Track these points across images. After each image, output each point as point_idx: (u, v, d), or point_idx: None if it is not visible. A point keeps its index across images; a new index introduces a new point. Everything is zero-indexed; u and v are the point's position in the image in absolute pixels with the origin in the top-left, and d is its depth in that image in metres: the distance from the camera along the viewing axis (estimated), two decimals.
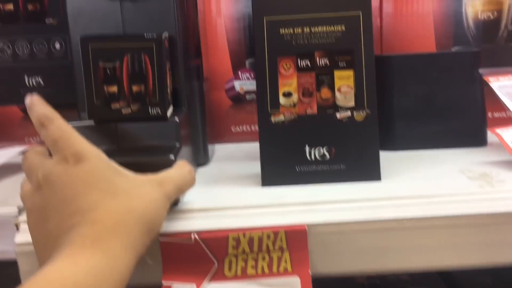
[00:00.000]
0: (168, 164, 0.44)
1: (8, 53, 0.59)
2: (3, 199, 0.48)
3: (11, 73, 0.60)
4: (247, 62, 0.76)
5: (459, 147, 0.61)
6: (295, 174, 0.50)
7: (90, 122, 0.48)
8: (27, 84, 0.61)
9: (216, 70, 0.75)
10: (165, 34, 0.49)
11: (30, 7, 0.59)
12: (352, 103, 0.49)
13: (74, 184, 0.35)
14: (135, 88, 0.47)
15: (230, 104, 0.77)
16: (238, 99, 0.77)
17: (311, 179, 0.49)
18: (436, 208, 0.43)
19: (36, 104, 0.38)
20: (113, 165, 0.38)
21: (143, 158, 0.45)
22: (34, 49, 0.60)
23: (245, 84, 0.77)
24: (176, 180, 0.41)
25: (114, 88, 0.47)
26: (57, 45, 0.59)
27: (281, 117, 0.50)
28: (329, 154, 0.49)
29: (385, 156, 0.58)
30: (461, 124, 0.62)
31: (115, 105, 0.48)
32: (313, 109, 0.50)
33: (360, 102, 0.49)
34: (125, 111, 0.48)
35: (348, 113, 0.49)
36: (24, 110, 0.75)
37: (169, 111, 0.50)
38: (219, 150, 0.71)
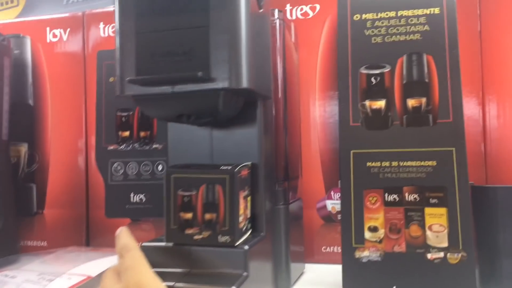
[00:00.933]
0: None
1: (121, 172, 0.67)
2: None
3: (120, 190, 0.67)
4: (340, 182, 0.76)
5: None
6: None
7: (168, 244, 0.51)
8: (132, 200, 0.67)
9: (309, 189, 0.75)
10: (247, 164, 0.52)
11: (142, 134, 0.67)
12: (445, 244, 0.46)
13: None
14: (207, 216, 0.50)
15: (321, 224, 0.76)
16: (329, 218, 0.76)
17: None
18: None
19: (121, 236, 0.42)
20: None
21: (205, 286, 0.46)
22: (141, 170, 0.67)
23: (337, 204, 0.76)
24: None
25: (189, 215, 0.50)
26: (159, 167, 0.65)
27: (366, 253, 0.48)
28: None
29: None
30: None
31: (189, 231, 0.50)
32: (401, 247, 0.47)
33: (455, 243, 0.45)
34: (197, 237, 0.50)
35: (441, 254, 0.46)
36: (131, 223, 0.82)
37: (243, 238, 0.51)
38: (309, 270, 0.69)
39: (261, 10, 0.52)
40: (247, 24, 0.48)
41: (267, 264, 0.56)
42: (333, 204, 0.76)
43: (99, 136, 0.78)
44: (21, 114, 0.88)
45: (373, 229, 0.48)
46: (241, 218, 0.51)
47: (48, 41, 0.91)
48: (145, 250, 0.50)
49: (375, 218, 0.48)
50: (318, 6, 0.78)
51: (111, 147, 0.76)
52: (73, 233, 0.87)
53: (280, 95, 0.63)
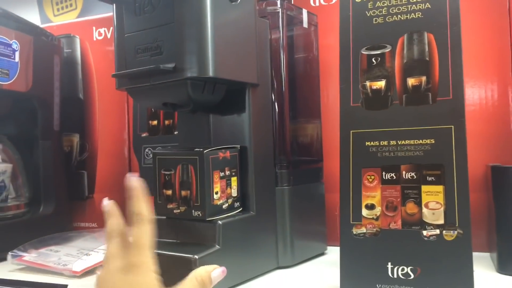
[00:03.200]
0: (191, 262, 0.49)
1: (151, 156, 0.72)
2: None
3: (151, 171, 0.72)
4: None
5: None
6: None
7: (160, 217, 0.57)
8: None
9: (331, 174, 0.76)
10: (234, 147, 0.57)
11: (166, 122, 0.73)
12: (441, 221, 0.46)
13: None
14: (183, 193, 0.55)
15: None
16: None
17: None
18: None
19: (140, 196, 0.44)
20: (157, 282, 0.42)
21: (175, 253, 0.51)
22: None
23: None
24: None
25: (169, 192, 0.56)
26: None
27: (362, 229, 0.49)
28: (413, 274, 0.46)
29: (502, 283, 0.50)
30: None
31: (170, 205, 0.56)
32: (397, 224, 0.47)
33: (451, 220, 0.45)
34: (176, 211, 0.55)
35: (437, 231, 0.46)
36: None
37: (223, 215, 0.55)
38: (331, 252, 0.72)
39: (236, 2, 0.55)
40: (212, 17, 0.51)
41: (257, 240, 0.59)
42: None
43: (135, 125, 0.85)
44: (73, 107, 0.97)
45: (370, 207, 0.49)
46: (217, 196, 0.55)
47: (94, 39, 0.99)
48: None
49: (372, 196, 0.49)
50: None
51: (144, 135, 0.83)
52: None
53: (284, 82, 0.64)
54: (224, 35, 0.53)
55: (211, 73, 0.51)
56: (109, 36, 0.98)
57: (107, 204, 0.46)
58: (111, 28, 0.97)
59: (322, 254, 0.71)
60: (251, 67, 0.58)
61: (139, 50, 0.54)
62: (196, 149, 0.54)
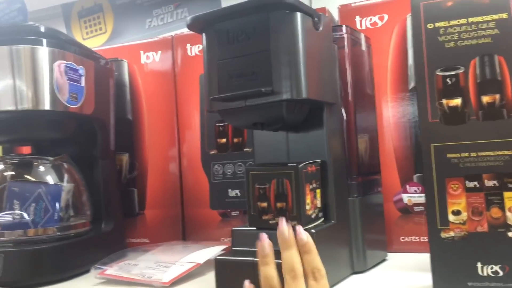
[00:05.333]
0: None
1: (220, 172, 0.77)
2: None
3: (220, 186, 0.77)
4: (415, 177, 0.82)
5: None
6: None
7: (252, 228, 0.62)
8: (229, 194, 0.78)
9: (385, 183, 0.82)
10: (316, 161, 0.62)
11: (235, 140, 0.78)
12: None
13: None
14: (279, 205, 0.59)
15: (398, 215, 0.82)
16: (406, 210, 0.82)
17: None
18: None
19: (313, 252, 0.46)
20: None
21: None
22: (236, 170, 0.78)
23: (413, 196, 0.82)
24: None
25: (264, 204, 0.61)
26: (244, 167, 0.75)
27: (451, 233, 0.54)
28: (502, 272, 0.51)
29: None
30: None
31: (265, 217, 0.61)
32: (483, 227, 0.53)
33: None
34: (272, 222, 0.60)
35: None
36: (222, 215, 0.92)
37: (313, 224, 0.60)
38: (390, 258, 0.76)
39: (320, 31, 0.61)
40: (303, 44, 0.57)
41: (338, 247, 0.64)
42: (409, 197, 0.82)
43: (203, 143, 0.90)
44: (122, 128, 1.01)
45: (456, 213, 0.54)
46: (308, 207, 0.60)
47: (142, 62, 1.03)
48: (236, 233, 0.63)
49: (458, 203, 0.54)
50: (386, 16, 0.85)
51: (212, 152, 0.88)
52: (171, 230, 0.98)
53: (350, 99, 0.70)
54: (312, 60, 0.58)
55: (304, 95, 0.57)
56: (157, 59, 1.02)
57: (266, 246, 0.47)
58: (159, 52, 1.02)
59: (384, 260, 0.76)
60: (332, 87, 0.64)
61: (234, 75, 0.59)
62: (289, 165, 0.59)
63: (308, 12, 0.58)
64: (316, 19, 0.60)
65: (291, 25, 0.57)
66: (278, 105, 0.58)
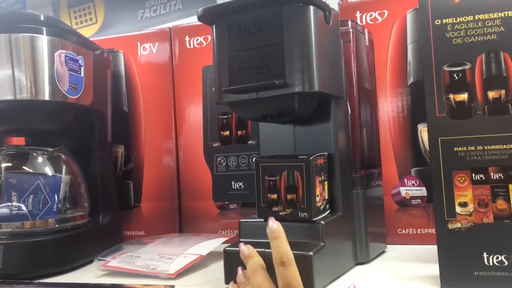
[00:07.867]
0: (306, 258, 0.54)
1: (223, 165, 0.77)
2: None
3: (223, 179, 0.77)
4: (413, 170, 0.84)
5: None
6: (473, 278, 0.54)
7: (261, 220, 0.62)
8: (233, 187, 0.78)
9: (383, 177, 0.83)
10: (323, 154, 0.63)
11: (239, 133, 0.78)
12: None
13: None
14: (289, 196, 0.60)
15: (396, 208, 0.84)
16: (403, 203, 0.84)
17: (489, 283, 0.53)
18: None
19: (282, 238, 0.48)
20: None
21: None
22: (239, 162, 0.78)
23: (410, 190, 0.84)
24: None
25: (274, 196, 0.61)
26: (254, 159, 0.75)
27: (457, 224, 0.55)
28: (507, 261, 0.53)
29: None
30: None
31: (275, 208, 0.61)
32: (489, 219, 0.54)
33: None
34: (282, 213, 0.61)
35: None
36: (220, 207, 0.92)
37: (321, 216, 0.61)
38: (390, 250, 0.78)
39: (330, 24, 0.62)
40: (315, 38, 0.58)
41: (344, 238, 0.65)
42: (407, 190, 0.84)
43: (206, 135, 0.90)
44: (118, 120, 1.00)
45: (463, 204, 0.56)
46: (318, 199, 0.61)
47: (139, 54, 1.02)
48: (244, 225, 0.63)
49: (465, 195, 0.56)
50: (386, 12, 0.87)
51: (215, 144, 0.88)
52: (167, 223, 0.98)
53: (355, 93, 0.71)
54: (324, 53, 0.59)
55: (316, 88, 0.57)
56: (154, 51, 1.01)
57: (245, 248, 0.51)
58: (156, 43, 1.01)
59: (384, 252, 0.77)
60: (340, 81, 0.64)
61: (245, 67, 0.59)
62: (300, 157, 0.60)
63: (321, 6, 0.59)
64: (327, 13, 0.61)
65: (305, 18, 0.57)
66: (290, 98, 0.58)
